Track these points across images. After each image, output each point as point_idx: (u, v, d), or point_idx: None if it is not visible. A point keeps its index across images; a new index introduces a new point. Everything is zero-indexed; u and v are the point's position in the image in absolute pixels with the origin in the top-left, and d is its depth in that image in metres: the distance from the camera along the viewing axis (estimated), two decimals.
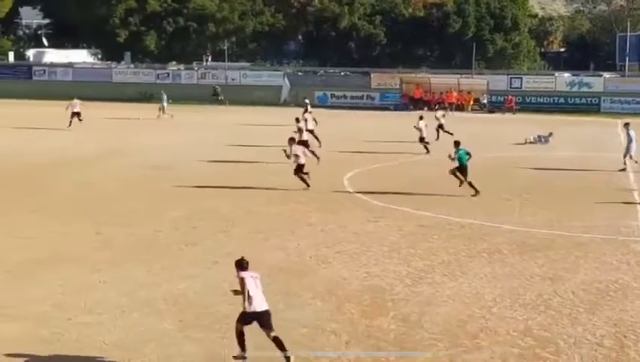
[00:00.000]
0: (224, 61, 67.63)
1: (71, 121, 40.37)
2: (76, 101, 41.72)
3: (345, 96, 60.32)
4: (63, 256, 16.53)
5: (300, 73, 67.73)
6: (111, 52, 77.16)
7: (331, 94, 60.64)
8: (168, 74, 65.40)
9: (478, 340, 12.22)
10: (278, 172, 26.32)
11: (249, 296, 10.97)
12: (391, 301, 13.91)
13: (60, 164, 28.91)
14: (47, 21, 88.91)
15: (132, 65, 69.93)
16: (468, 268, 16.01)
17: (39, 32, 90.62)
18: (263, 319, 11.08)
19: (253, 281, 11.10)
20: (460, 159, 23.99)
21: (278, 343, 11.10)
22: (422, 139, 33.03)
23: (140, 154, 31.67)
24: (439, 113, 39.59)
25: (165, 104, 47.33)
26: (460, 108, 56.34)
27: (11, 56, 74.96)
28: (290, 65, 73.57)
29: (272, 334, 11.12)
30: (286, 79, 58.98)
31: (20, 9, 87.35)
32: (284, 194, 23.61)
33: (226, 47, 69.78)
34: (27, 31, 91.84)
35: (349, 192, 24.18)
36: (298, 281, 14.95)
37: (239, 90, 59.91)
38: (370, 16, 79.63)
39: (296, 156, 24.35)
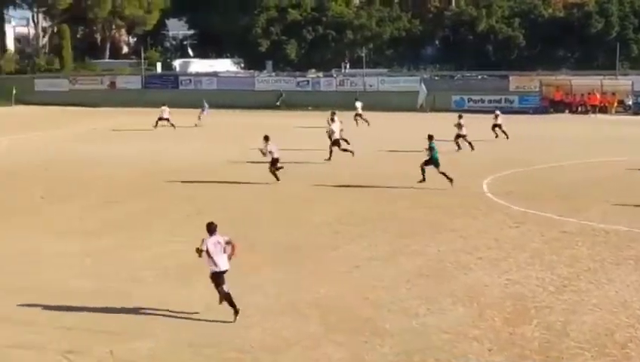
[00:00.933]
0: (362, 68, 68.10)
1: (157, 124, 44.98)
2: (165, 108, 45.78)
3: (482, 100, 59.40)
4: None
5: (436, 78, 67.27)
6: (253, 61, 79.14)
7: (468, 98, 59.89)
8: (308, 81, 66.42)
9: (627, 350, 11.94)
10: (419, 176, 26.46)
11: (214, 260, 13.33)
12: (534, 308, 13.75)
13: (206, 169, 29.97)
14: (192, 32, 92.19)
15: (273, 74, 71.44)
16: (614, 276, 15.62)
17: (185, 42, 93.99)
18: (224, 295, 13.36)
19: (214, 247, 13.39)
20: (433, 154, 25.54)
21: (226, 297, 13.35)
22: (460, 136, 33.98)
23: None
24: (498, 112, 40.35)
25: (206, 112, 49.08)
26: (603, 110, 54.60)
27: (159, 66, 78.00)
28: (427, 70, 73.24)
29: (236, 308, 13.27)
30: (422, 84, 58.78)
31: (166, 21, 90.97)
32: (423, 198, 23.70)
33: (363, 54, 70.28)
34: (174, 42, 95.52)
35: (489, 197, 23.97)
36: (439, 287, 14.99)
37: (377, 96, 60.12)
38: (509, 18, 78.32)
39: (271, 152, 26.70)
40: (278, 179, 26.69)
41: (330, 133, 32.18)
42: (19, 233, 19.90)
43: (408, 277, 15.59)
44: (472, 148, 34.00)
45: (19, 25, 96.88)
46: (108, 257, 17.32)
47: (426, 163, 25.56)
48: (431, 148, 25.54)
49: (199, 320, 13.31)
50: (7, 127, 48.63)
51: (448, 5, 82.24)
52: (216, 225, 13.76)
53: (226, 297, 13.37)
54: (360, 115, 45.96)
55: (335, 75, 68.86)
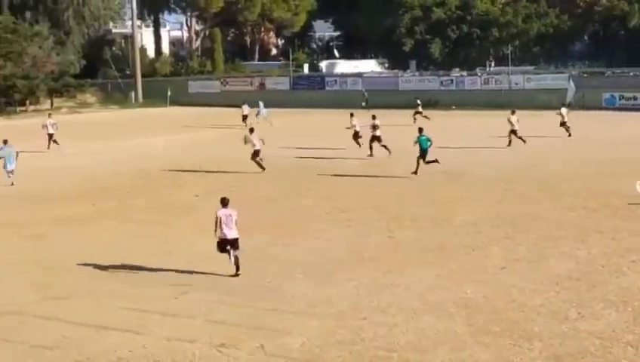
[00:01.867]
0: (507, 66, 66.89)
1: (246, 122, 46.70)
2: (245, 106, 48.86)
3: (635, 98, 57.09)
4: (357, 257, 17.44)
5: (585, 75, 65.13)
6: (397, 61, 79.26)
7: (620, 95, 57.67)
8: (452, 80, 65.84)
9: None
10: (572, 177, 25.91)
11: (220, 228, 15.80)
12: None
13: (345, 166, 30.42)
14: (337, 33, 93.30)
15: (417, 73, 71.27)
16: None
17: (331, 44, 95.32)
18: (232, 243, 15.87)
19: (225, 218, 15.80)
20: (420, 144, 27.81)
21: (236, 261, 15.93)
22: (513, 132, 35.31)
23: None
24: (563, 110, 39.63)
25: (262, 112, 50.15)
26: None
27: (306, 67, 79.40)
28: (576, 67, 71.02)
29: (234, 253, 15.86)
30: (571, 81, 57.07)
31: (313, 23, 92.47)
32: (567, 199, 23.14)
33: (509, 52, 68.97)
34: (320, 43, 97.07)
35: None
36: (590, 291, 14.60)
37: (523, 95, 58.91)
38: None
39: (253, 144, 29.65)
40: (263, 169, 29.61)
41: (353, 128, 35.39)
42: (176, 230, 20.85)
43: (557, 280, 15.28)
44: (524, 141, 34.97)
45: (173, 29, 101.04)
46: (259, 254, 17.82)
47: (420, 155, 27.78)
48: (421, 143, 27.77)
49: (345, 318, 13.51)
50: (163, 128, 50.83)
51: (598, 0, 79.48)
52: (228, 200, 16.15)
53: (220, 249, 16.07)
54: (420, 113, 47.87)
55: (479, 74, 67.91)
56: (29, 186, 28.37)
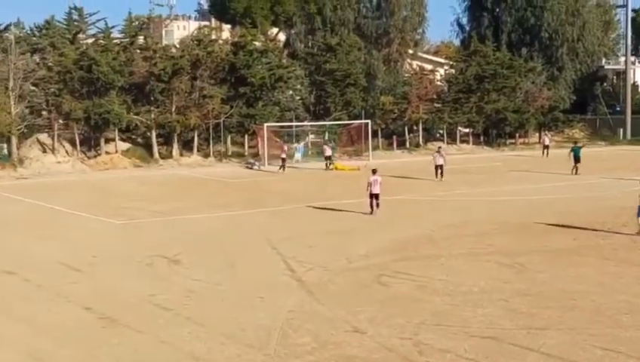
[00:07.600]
0: None
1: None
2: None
3: None
4: None
5: None
6: None
7: None
8: None
9: None
10: None
11: (370, 187, 29.00)
12: None
13: None
14: None
15: None
16: None
17: None
18: (376, 196, 29.01)
19: (373, 181, 28.81)
20: (575, 152, 44.25)
21: (377, 206, 29.08)
22: None
23: None
24: None
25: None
26: None
27: None
28: None
29: (377, 202, 29.08)
30: None
31: None
32: None
33: None
34: None
35: None
36: None
37: None
38: None
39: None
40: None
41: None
42: None
43: None
44: None
45: None
46: None
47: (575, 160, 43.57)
48: (575, 151, 44.14)
49: None
50: None
51: None
52: (376, 170, 29.69)
53: (371, 204, 29.04)
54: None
55: None
56: (507, 215, 29.49)
